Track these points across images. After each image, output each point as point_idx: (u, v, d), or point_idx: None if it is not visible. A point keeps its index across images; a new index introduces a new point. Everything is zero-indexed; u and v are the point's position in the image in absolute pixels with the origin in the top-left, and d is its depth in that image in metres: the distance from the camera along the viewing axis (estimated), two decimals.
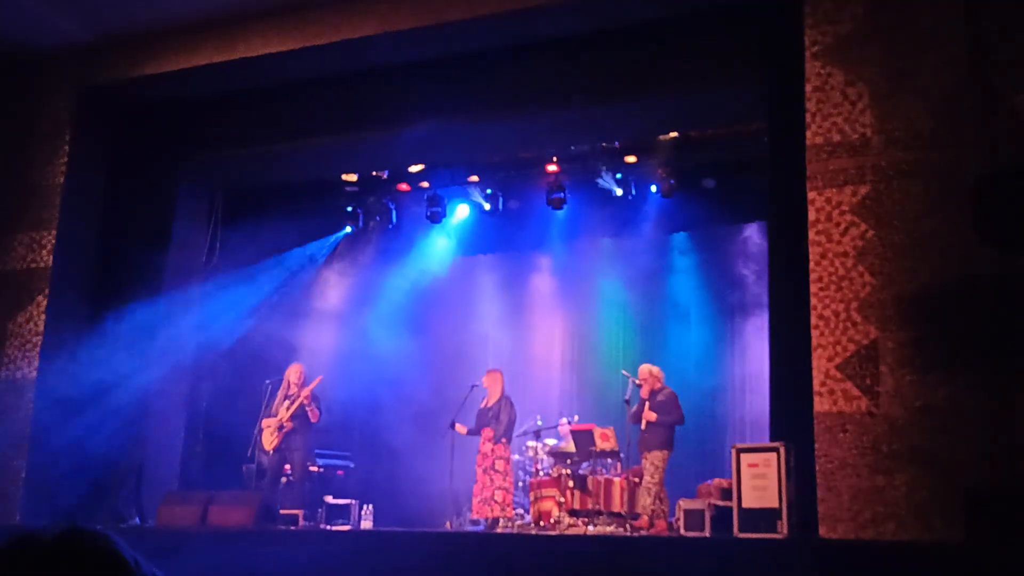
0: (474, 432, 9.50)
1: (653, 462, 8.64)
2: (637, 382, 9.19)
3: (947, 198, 6.50)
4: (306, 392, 9.22)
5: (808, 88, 7.07)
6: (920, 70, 6.75)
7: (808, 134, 7.00)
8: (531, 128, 9.44)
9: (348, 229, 12.26)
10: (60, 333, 9.02)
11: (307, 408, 9.24)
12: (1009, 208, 6.29)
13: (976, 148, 6.49)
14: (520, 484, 9.91)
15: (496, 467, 9.21)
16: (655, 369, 9.15)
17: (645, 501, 8.51)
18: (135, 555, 1.28)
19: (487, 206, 11.58)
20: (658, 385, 8.99)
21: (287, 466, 9.39)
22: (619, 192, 10.98)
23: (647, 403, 8.86)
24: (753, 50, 7.90)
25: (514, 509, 9.43)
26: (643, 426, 8.80)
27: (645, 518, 8.40)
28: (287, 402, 9.33)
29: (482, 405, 9.58)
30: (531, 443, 9.75)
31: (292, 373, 9.48)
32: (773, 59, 7.68)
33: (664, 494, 8.58)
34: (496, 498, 9.09)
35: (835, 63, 7.00)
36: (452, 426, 9.41)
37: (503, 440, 9.31)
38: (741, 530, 6.75)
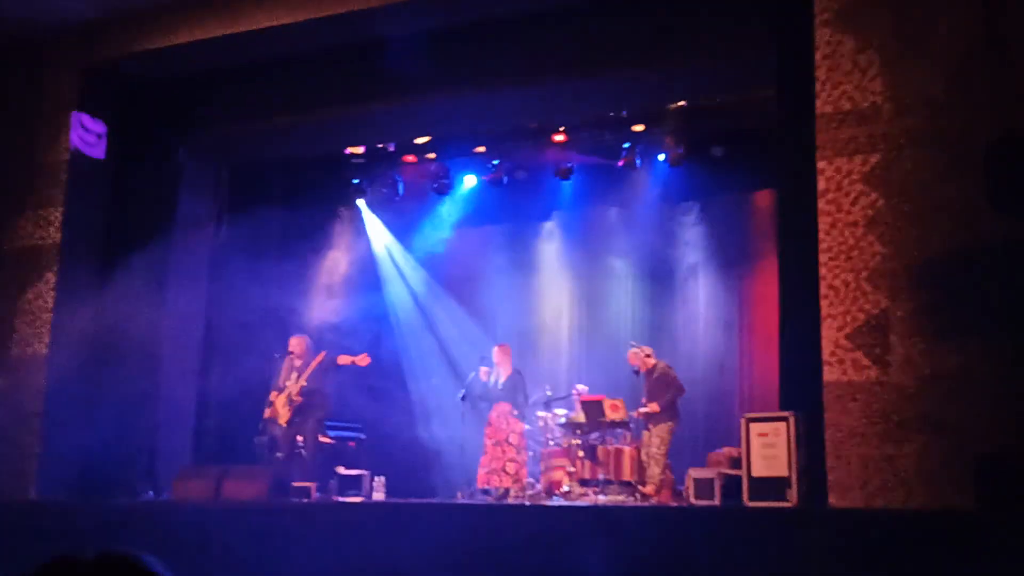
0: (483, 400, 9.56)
1: (659, 435, 8.67)
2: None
3: (958, 165, 6.44)
4: (307, 372, 9.22)
5: (818, 56, 6.98)
6: (931, 36, 6.66)
7: (818, 103, 6.93)
8: (538, 98, 9.37)
9: (355, 201, 12.24)
10: (69, 309, 9.05)
11: (326, 372, 9.25)
12: (1021, 175, 6.25)
13: (988, 114, 6.42)
14: (531, 454, 9.97)
15: (510, 440, 9.25)
16: (641, 350, 9.06)
17: (654, 471, 8.54)
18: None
19: (494, 177, 11.53)
20: (650, 363, 8.95)
21: (300, 438, 9.44)
22: (627, 161, 10.92)
23: (645, 387, 8.84)
24: (762, 18, 7.80)
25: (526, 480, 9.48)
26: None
27: (652, 486, 8.43)
28: (295, 375, 9.36)
29: (492, 379, 9.59)
30: (541, 413, 9.78)
31: (295, 345, 9.50)
32: (782, 27, 7.59)
33: (667, 463, 8.63)
34: (508, 470, 9.14)
35: (845, 30, 6.92)
36: (463, 398, 9.45)
37: (521, 415, 9.36)
38: (751, 499, 6.79)
